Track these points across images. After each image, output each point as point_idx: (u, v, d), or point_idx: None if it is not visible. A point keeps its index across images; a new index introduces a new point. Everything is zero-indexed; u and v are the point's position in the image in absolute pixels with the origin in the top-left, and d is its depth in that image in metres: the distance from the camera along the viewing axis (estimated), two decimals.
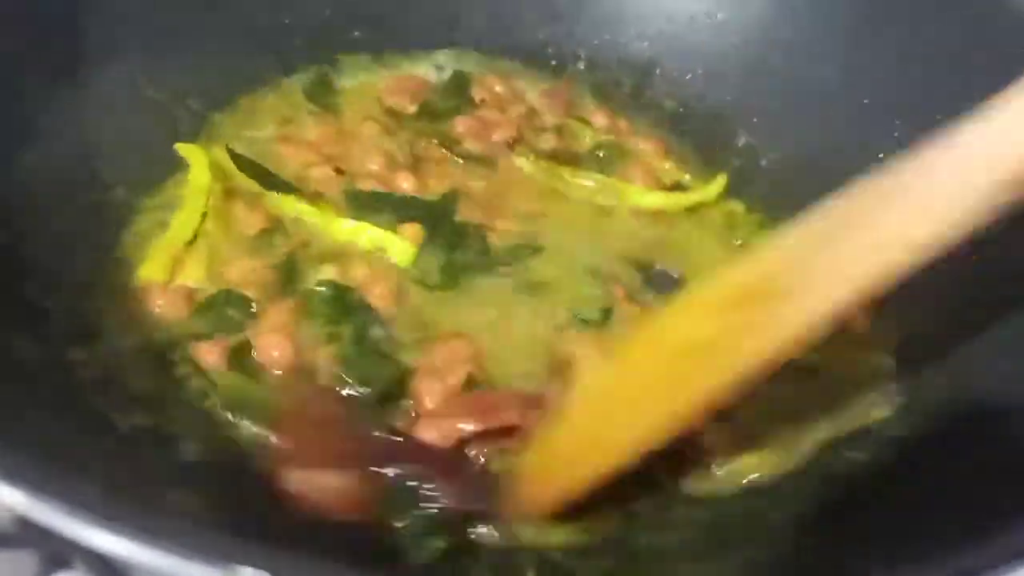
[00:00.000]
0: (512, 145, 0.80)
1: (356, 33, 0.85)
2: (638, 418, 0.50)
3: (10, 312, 0.52)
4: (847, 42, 0.78)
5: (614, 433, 0.51)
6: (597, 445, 0.52)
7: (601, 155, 0.82)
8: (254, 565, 0.33)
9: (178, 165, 0.72)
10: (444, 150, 0.79)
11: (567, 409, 0.54)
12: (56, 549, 0.35)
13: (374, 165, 0.75)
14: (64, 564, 0.36)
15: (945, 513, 0.51)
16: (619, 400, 0.52)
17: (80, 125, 0.67)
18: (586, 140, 0.83)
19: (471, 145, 0.80)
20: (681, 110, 0.87)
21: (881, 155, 0.72)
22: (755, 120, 0.83)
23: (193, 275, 0.65)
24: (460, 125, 0.81)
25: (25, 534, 0.35)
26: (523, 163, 0.79)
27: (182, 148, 0.72)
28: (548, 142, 0.82)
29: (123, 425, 0.49)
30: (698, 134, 0.85)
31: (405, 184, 0.75)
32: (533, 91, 0.87)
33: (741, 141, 0.84)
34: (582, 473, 0.52)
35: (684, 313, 0.50)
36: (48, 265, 0.58)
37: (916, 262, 0.43)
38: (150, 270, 0.64)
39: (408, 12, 0.87)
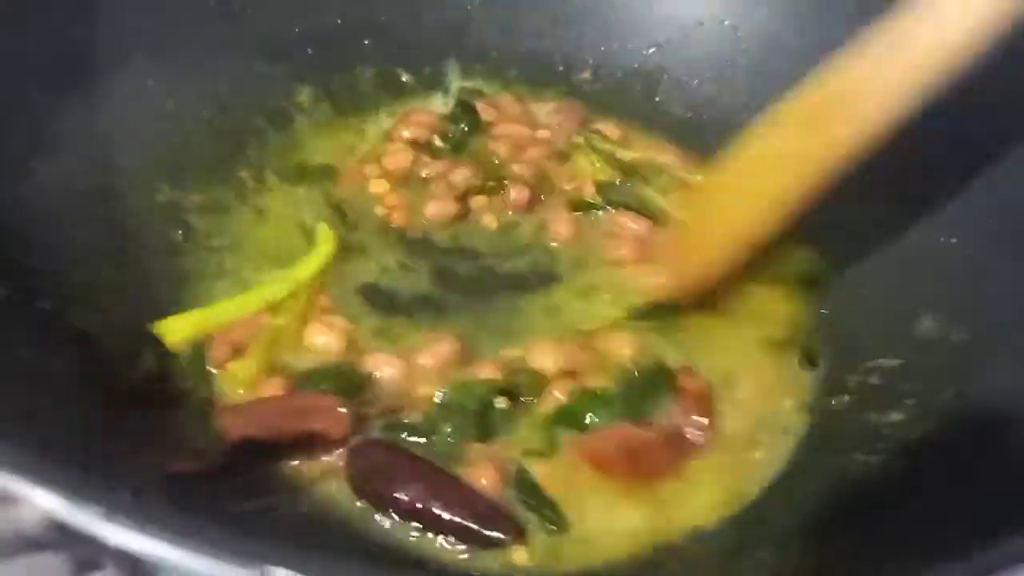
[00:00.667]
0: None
1: (366, 42, 0.86)
2: (750, 210, 0.63)
3: (29, 324, 0.53)
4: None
5: (736, 219, 0.64)
6: (724, 228, 0.65)
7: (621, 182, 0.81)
8: (287, 566, 0.33)
9: (190, 174, 0.73)
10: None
11: (698, 198, 0.72)
12: (87, 552, 0.36)
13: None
14: (95, 567, 0.36)
15: (954, 515, 0.51)
16: (733, 197, 0.65)
17: (92, 135, 0.68)
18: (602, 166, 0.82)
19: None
20: (689, 116, 0.87)
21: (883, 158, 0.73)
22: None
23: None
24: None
25: (57, 537, 0.35)
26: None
27: (323, 231, 0.71)
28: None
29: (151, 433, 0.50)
30: (707, 140, 0.85)
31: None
32: (541, 107, 0.87)
33: None
34: (719, 248, 0.65)
35: (773, 131, 0.62)
36: (63, 274, 0.59)
37: (946, 73, 0.53)
38: (173, 332, 0.61)
39: (417, 20, 0.87)
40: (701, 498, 0.60)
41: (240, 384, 0.60)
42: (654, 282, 0.70)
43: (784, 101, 0.61)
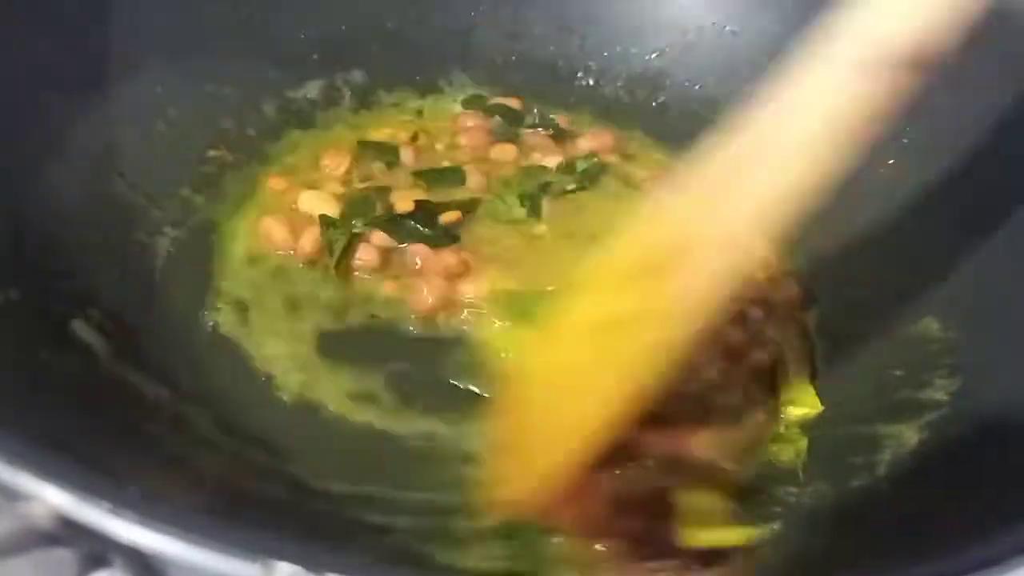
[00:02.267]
0: None
1: (373, 48, 0.87)
2: (582, 401, 0.48)
3: (46, 326, 0.54)
4: None
5: (562, 418, 0.49)
6: (548, 432, 0.50)
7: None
8: (289, 560, 0.34)
9: (201, 179, 0.74)
10: None
11: (511, 403, 0.53)
12: (95, 547, 0.36)
13: None
14: (103, 563, 0.37)
15: (952, 512, 0.52)
16: (559, 387, 0.50)
17: (106, 140, 0.69)
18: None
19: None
20: (692, 121, 0.87)
21: (890, 161, 0.74)
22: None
23: None
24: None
25: (65, 533, 0.36)
26: None
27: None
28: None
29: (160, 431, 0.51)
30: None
31: None
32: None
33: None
34: (543, 463, 0.50)
35: (596, 291, 0.49)
36: (77, 280, 0.60)
37: (803, 193, 0.44)
38: None
39: (422, 27, 0.88)
40: None
41: None
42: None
43: (597, 257, 0.50)
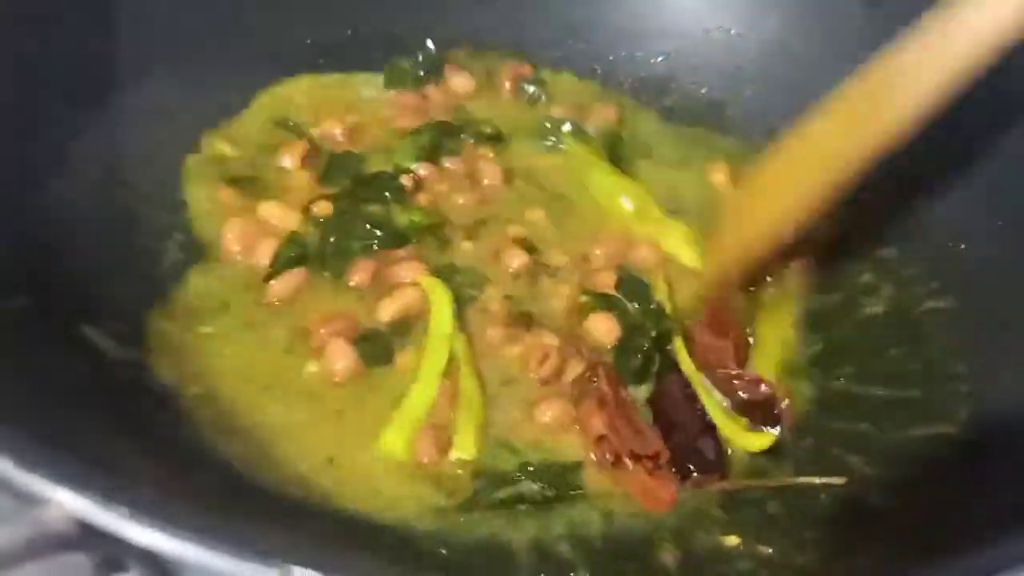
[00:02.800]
0: None
1: (379, 52, 0.86)
2: (792, 198, 0.63)
3: (57, 331, 0.54)
4: (859, 57, 0.79)
5: (779, 206, 0.64)
6: (769, 215, 0.65)
7: None
8: (305, 564, 0.34)
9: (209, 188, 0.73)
10: None
11: (745, 187, 0.70)
12: (112, 552, 0.36)
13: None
14: (119, 567, 0.37)
15: (956, 516, 0.52)
16: (777, 186, 0.65)
17: (112, 147, 0.69)
18: None
19: None
20: (697, 123, 0.87)
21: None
22: (770, 133, 0.84)
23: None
24: None
25: (82, 538, 0.36)
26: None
27: (425, 282, 0.68)
28: None
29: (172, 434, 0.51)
30: (713, 147, 0.86)
31: None
32: None
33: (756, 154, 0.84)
34: (760, 232, 0.65)
35: (814, 127, 0.63)
36: (86, 286, 0.60)
37: (980, 61, 0.53)
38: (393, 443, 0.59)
39: (427, 32, 0.88)
40: None
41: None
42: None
43: (825, 99, 0.62)
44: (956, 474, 0.58)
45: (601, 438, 0.61)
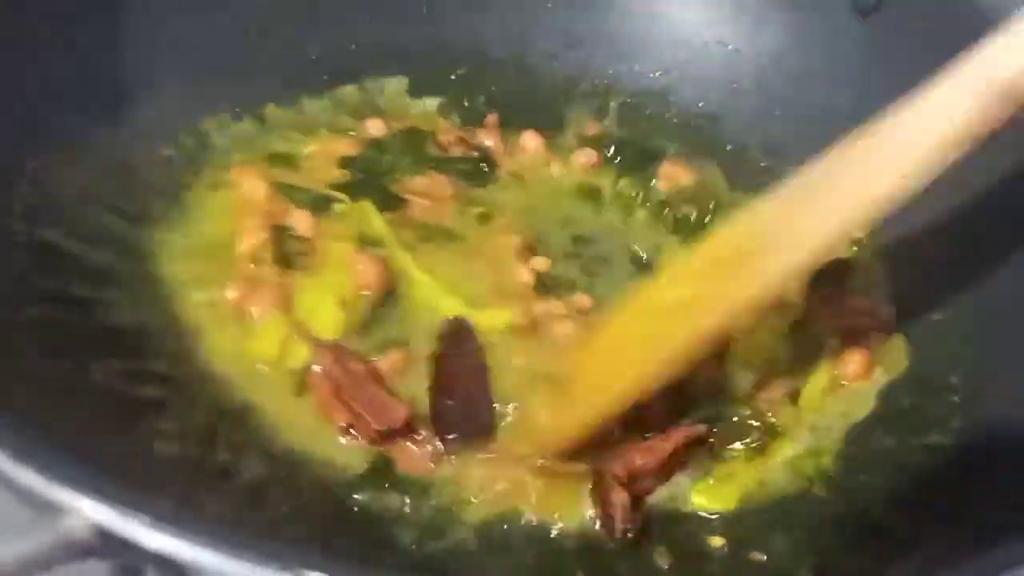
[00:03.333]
0: None
1: (380, 66, 0.88)
2: (632, 367, 0.56)
3: (69, 341, 0.55)
4: (859, 71, 0.80)
5: (613, 379, 0.57)
6: (599, 389, 0.58)
7: None
8: (321, 570, 0.35)
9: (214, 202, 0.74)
10: None
11: (576, 357, 0.61)
12: (131, 560, 0.37)
13: None
14: (137, 574, 0.38)
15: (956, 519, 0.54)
16: (615, 352, 0.59)
17: (121, 160, 0.70)
18: None
19: None
20: (695, 137, 0.88)
21: None
22: (768, 147, 0.86)
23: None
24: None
25: (101, 546, 0.37)
26: None
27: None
28: None
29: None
30: (712, 162, 0.87)
31: None
32: None
33: (754, 167, 0.86)
34: (586, 415, 0.58)
35: (673, 278, 0.58)
36: (95, 295, 0.61)
37: (875, 215, 0.50)
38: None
39: (430, 44, 0.89)
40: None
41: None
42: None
43: (691, 250, 0.59)
44: (949, 483, 0.59)
45: (350, 426, 0.59)
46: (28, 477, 0.37)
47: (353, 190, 0.75)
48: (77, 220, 0.64)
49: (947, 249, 0.71)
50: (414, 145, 0.82)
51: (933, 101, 0.49)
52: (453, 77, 0.89)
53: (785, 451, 0.64)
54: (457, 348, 0.64)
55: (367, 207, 0.74)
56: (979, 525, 0.51)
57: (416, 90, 0.88)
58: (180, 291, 0.66)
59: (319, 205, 0.73)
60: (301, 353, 0.62)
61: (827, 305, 0.70)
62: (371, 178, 0.77)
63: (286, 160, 0.78)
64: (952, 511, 0.55)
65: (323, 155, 0.79)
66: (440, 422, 0.60)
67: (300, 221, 0.71)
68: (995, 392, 0.62)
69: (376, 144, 0.81)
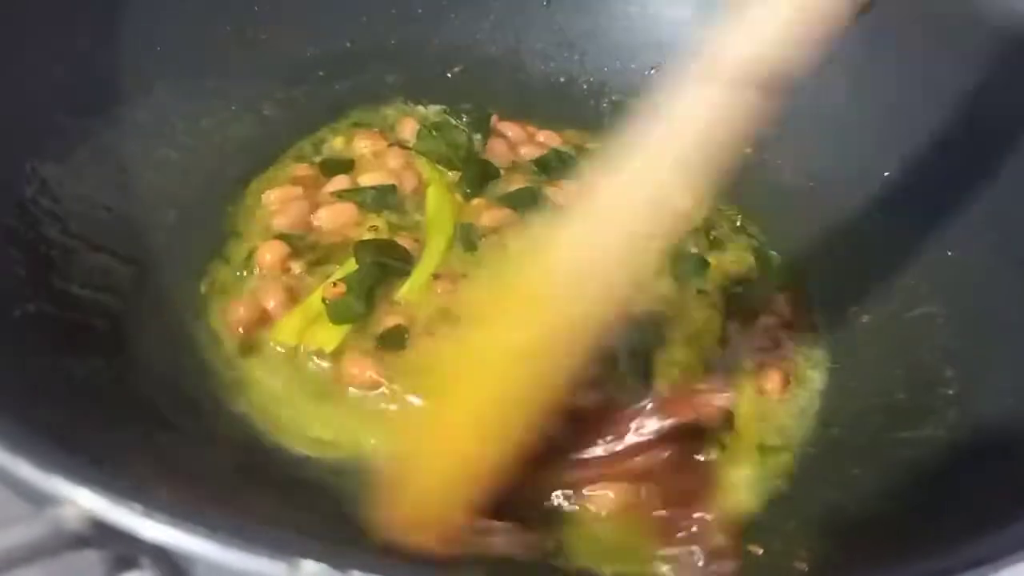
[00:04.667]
0: None
1: (375, 64, 0.88)
2: (480, 435, 0.49)
3: (66, 335, 0.55)
4: (852, 68, 0.80)
5: (459, 455, 0.49)
6: (447, 470, 0.49)
7: None
8: (315, 559, 0.35)
9: (212, 201, 0.75)
10: None
11: (412, 447, 0.52)
12: (124, 550, 0.37)
13: None
14: (132, 564, 0.38)
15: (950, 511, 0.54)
16: (457, 424, 0.50)
17: (117, 160, 0.71)
18: None
19: None
20: None
21: (887, 173, 0.75)
22: (761, 143, 0.86)
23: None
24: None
25: (95, 536, 0.37)
26: None
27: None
28: None
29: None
30: None
31: None
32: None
33: (746, 164, 0.85)
34: (440, 503, 0.49)
35: (491, 325, 0.50)
36: (92, 293, 0.62)
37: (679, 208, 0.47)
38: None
39: (425, 44, 0.90)
40: None
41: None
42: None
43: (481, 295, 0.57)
44: (943, 476, 0.59)
45: None
46: (22, 468, 0.37)
47: None
48: (74, 219, 0.64)
49: (943, 242, 0.71)
50: None
51: (688, 100, 0.48)
52: (449, 76, 0.90)
53: (742, 472, 0.64)
54: None
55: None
56: (973, 518, 0.51)
57: (411, 89, 0.88)
58: (177, 290, 0.67)
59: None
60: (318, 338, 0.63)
61: (742, 328, 0.71)
62: None
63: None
64: (946, 504, 0.55)
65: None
66: None
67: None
68: (990, 385, 0.62)
69: None
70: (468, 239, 0.74)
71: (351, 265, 0.69)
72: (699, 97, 0.48)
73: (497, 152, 0.83)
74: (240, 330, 0.65)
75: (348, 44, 0.87)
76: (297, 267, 0.70)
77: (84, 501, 0.36)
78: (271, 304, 0.67)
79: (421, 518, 0.48)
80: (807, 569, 0.57)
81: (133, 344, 0.59)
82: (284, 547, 0.35)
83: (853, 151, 0.79)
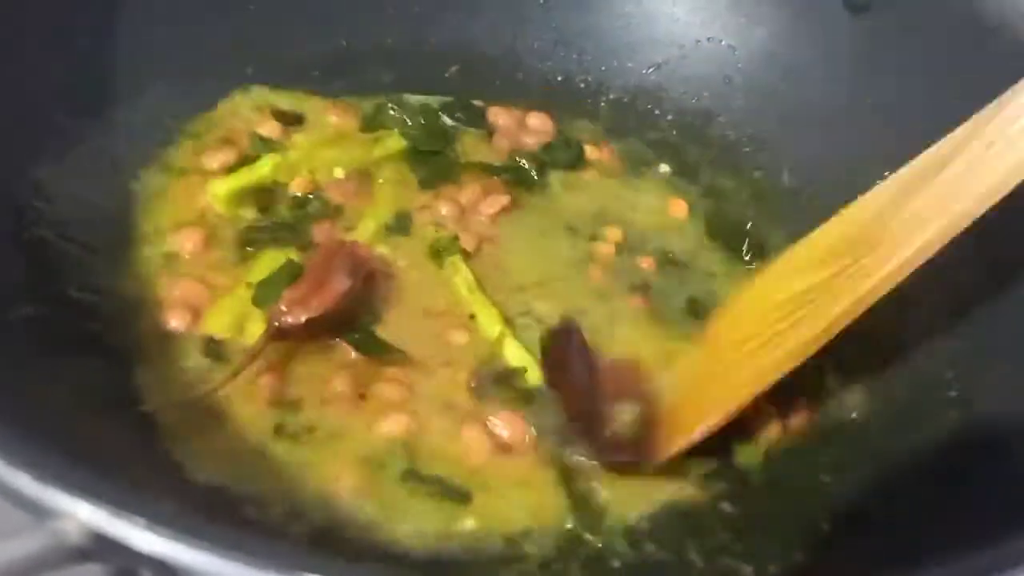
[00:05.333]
0: None
1: (371, 64, 0.87)
2: (749, 363, 0.56)
3: (65, 340, 0.55)
4: (851, 68, 0.80)
5: (730, 378, 0.57)
6: (716, 390, 0.58)
7: None
8: (319, 572, 0.35)
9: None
10: None
11: (692, 356, 0.62)
12: (126, 563, 0.37)
13: None
14: None
15: (953, 517, 0.54)
16: (731, 349, 0.58)
17: (113, 159, 0.70)
18: None
19: None
20: (688, 133, 0.88)
21: (886, 173, 0.75)
22: (761, 143, 0.86)
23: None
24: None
25: (97, 549, 0.37)
26: None
27: None
28: None
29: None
30: (706, 157, 0.87)
31: None
32: None
33: (746, 164, 0.86)
34: (702, 419, 0.58)
35: (784, 270, 0.58)
36: (90, 295, 0.61)
37: (983, 209, 0.50)
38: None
39: (421, 43, 0.89)
40: None
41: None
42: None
43: (798, 244, 0.59)
44: (945, 479, 0.59)
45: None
46: (21, 480, 0.37)
47: None
48: (70, 221, 0.64)
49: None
50: None
51: None
52: (447, 75, 0.89)
53: None
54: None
55: None
56: (976, 521, 0.51)
57: (407, 89, 0.87)
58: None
59: None
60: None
61: None
62: None
63: None
64: (948, 507, 0.55)
65: None
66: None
67: None
68: (991, 387, 0.62)
69: None
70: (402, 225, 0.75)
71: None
72: None
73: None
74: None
75: (344, 43, 0.87)
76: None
77: (85, 514, 0.36)
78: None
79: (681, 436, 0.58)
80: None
81: (132, 348, 0.59)
82: (287, 560, 0.35)
83: (853, 152, 0.78)
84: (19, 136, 0.63)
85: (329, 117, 0.82)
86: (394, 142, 0.81)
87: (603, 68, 0.91)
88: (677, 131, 0.88)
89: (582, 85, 0.91)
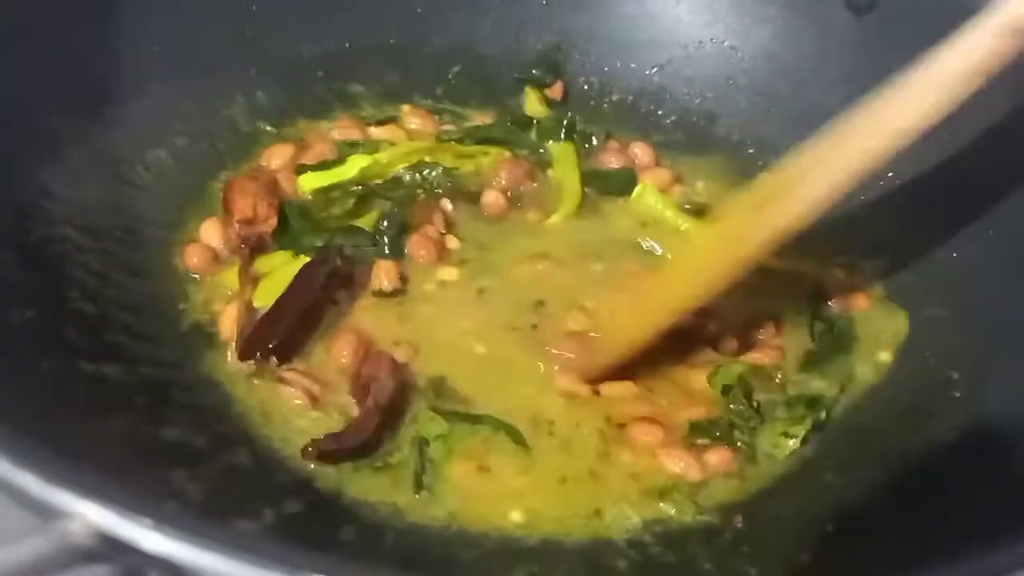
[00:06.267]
0: None
1: (373, 65, 0.88)
2: (684, 289, 0.65)
3: (66, 341, 0.55)
4: (854, 68, 0.80)
5: (667, 298, 0.66)
6: (656, 308, 0.66)
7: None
8: (327, 574, 0.35)
9: (206, 202, 0.75)
10: None
11: (640, 281, 0.72)
12: (133, 563, 0.37)
13: None
14: None
15: (956, 519, 0.53)
16: (675, 275, 0.68)
17: (112, 161, 0.70)
18: None
19: None
20: (691, 134, 0.89)
21: (889, 174, 0.75)
22: (763, 143, 0.86)
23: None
24: None
25: (104, 550, 0.37)
26: None
27: None
28: None
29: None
30: (707, 157, 0.87)
31: None
32: None
33: (749, 164, 0.86)
34: (638, 332, 0.66)
35: (731, 209, 0.65)
36: (90, 298, 0.61)
37: (893, 147, 0.55)
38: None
39: (423, 44, 0.90)
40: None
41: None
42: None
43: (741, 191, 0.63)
44: (950, 479, 0.59)
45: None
46: (28, 481, 0.37)
47: None
48: (70, 221, 0.64)
49: (948, 245, 0.71)
50: None
51: (956, 45, 0.54)
52: (449, 76, 0.89)
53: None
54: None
55: None
56: (982, 522, 0.51)
57: (410, 88, 0.88)
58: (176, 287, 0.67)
59: None
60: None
61: None
62: None
63: None
64: (954, 507, 0.55)
65: None
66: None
67: None
68: (996, 387, 0.62)
69: None
70: None
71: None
72: (972, 41, 0.53)
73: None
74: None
75: (347, 44, 0.87)
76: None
77: (92, 515, 0.36)
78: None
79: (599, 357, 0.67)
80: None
81: (135, 348, 0.58)
82: (292, 561, 0.35)
83: None
84: (19, 136, 0.63)
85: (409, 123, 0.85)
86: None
87: (606, 69, 0.91)
88: (680, 132, 0.89)
89: (585, 86, 0.91)
